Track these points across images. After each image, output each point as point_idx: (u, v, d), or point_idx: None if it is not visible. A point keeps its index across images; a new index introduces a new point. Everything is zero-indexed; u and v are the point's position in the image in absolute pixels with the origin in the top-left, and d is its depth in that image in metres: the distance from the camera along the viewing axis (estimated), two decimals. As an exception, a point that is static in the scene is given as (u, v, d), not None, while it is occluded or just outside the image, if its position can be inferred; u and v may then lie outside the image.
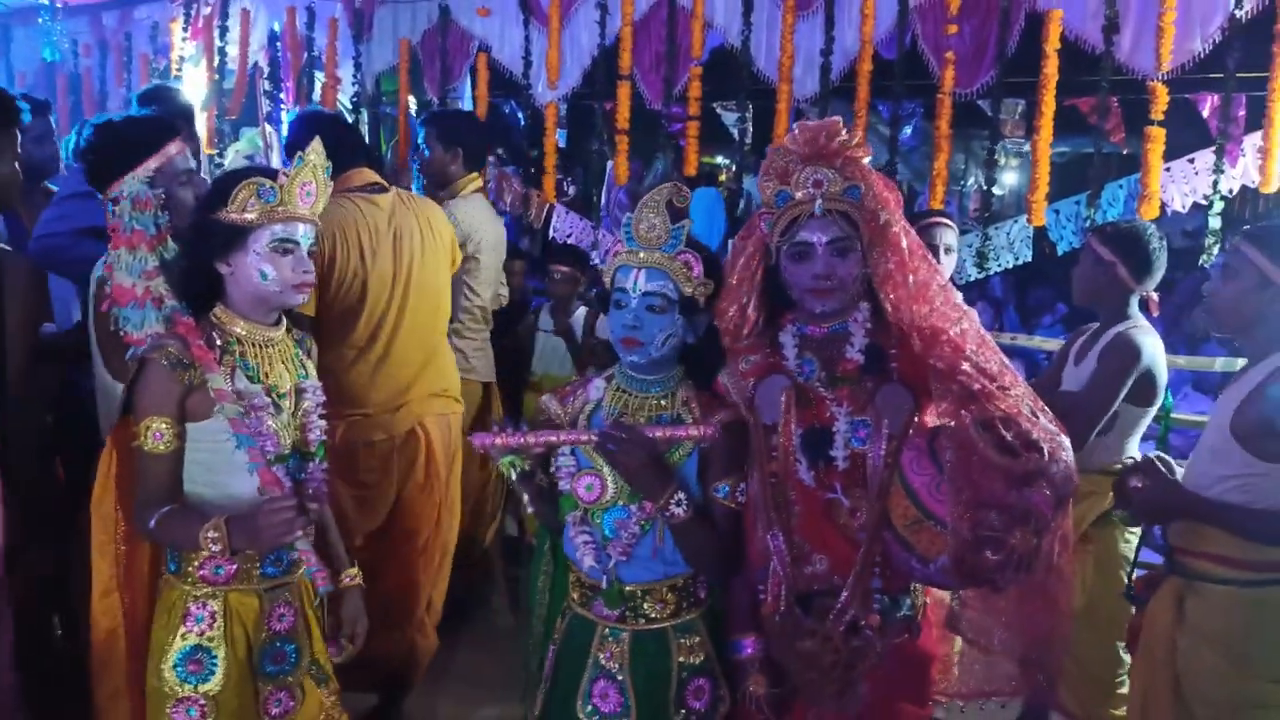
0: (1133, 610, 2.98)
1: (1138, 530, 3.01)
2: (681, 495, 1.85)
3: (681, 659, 1.96)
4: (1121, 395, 2.83)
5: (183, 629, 1.94)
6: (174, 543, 1.96)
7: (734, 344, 2.02)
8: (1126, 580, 2.76)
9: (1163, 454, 2.40)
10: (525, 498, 1.99)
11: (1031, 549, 1.68)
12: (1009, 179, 9.16)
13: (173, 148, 2.36)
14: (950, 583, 1.81)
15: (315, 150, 1.98)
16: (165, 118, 2.60)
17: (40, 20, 5.76)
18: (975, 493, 1.67)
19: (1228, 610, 2.22)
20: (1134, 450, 3.02)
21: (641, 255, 1.89)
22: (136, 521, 1.97)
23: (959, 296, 1.95)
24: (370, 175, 3.04)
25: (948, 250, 3.28)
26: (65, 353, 2.58)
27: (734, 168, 6.45)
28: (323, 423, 2.10)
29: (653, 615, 1.96)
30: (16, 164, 2.40)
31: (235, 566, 1.97)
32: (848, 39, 4.48)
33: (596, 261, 5.39)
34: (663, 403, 1.96)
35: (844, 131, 1.88)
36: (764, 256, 1.98)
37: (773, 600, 1.88)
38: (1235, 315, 2.31)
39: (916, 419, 1.90)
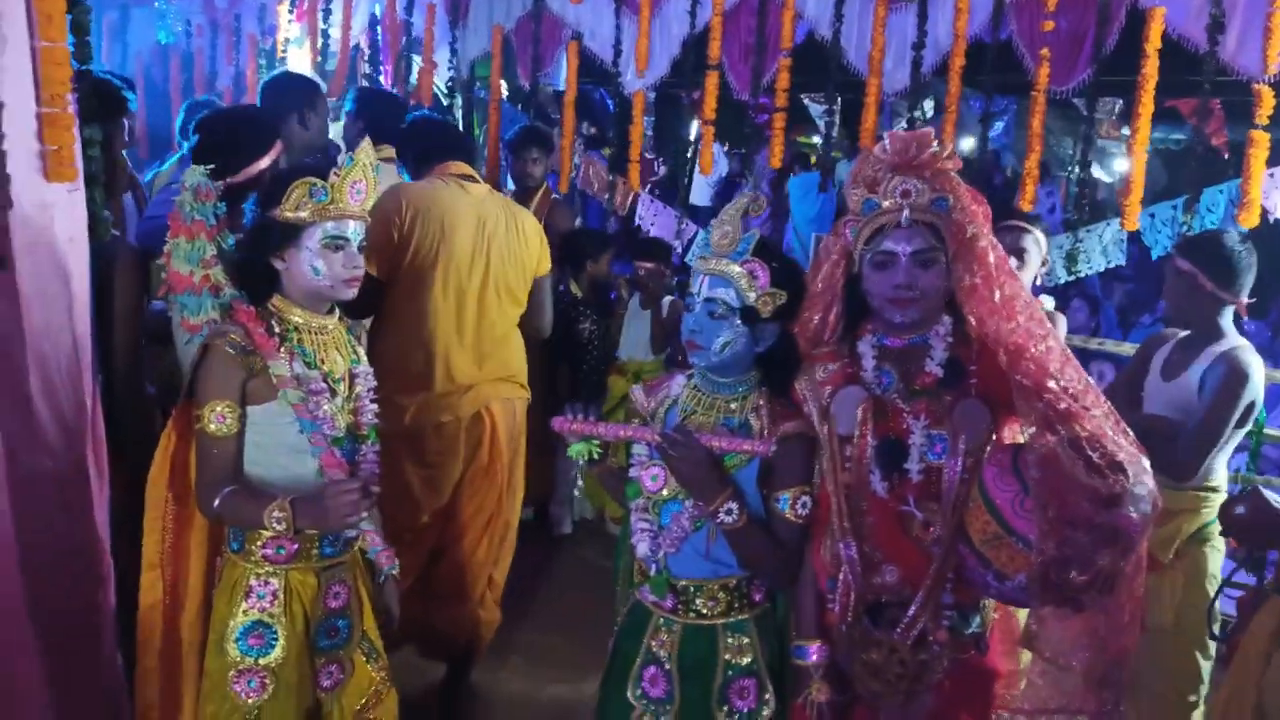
0: (1215, 626, 2.94)
1: (1223, 549, 2.95)
2: (733, 505, 1.89)
3: (728, 657, 2.00)
4: (1234, 420, 2.77)
5: (245, 604, 2.05)
6: (239, 522, 2.06)
7: (812, 351, 2.03)
8: (1210, 601, 2.71)
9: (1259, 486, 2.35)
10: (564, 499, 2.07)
11: (1116, 569, 1.69)
12: (1117, 168, 8.82)
13: (273, 153, 2.51)
14: (1027, 600, 1.80)
15: (365, 150, 2.07)
16: (269, 122, 2.74)
17: (156, 3, 5.99)
18: (1062, 510, 1.66)
19: None
20: (1223, 467, 2.95)
21: (711, 263, 1.93)
22: (200, 502, 2.07)
23: (1043, 311, 1.94)
24: (465, 168, 3.19)
25: (1025, 256, 3.23)
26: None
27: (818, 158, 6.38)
28: (374, 406, 2.19)
29: (704, 611, 2.01)
30: (124, 152, 2.56)
31: (296, 546, 2.07)
32: (940, 32, 4.40)
33: (679, 251, 5.44)
34: (733, 406, 1.99)
35: (936, 143, 1.87)
36: (848, 264, 1.99)
37: (841, 610, 1.91)
38: None
39: (994, 435, 1.90)
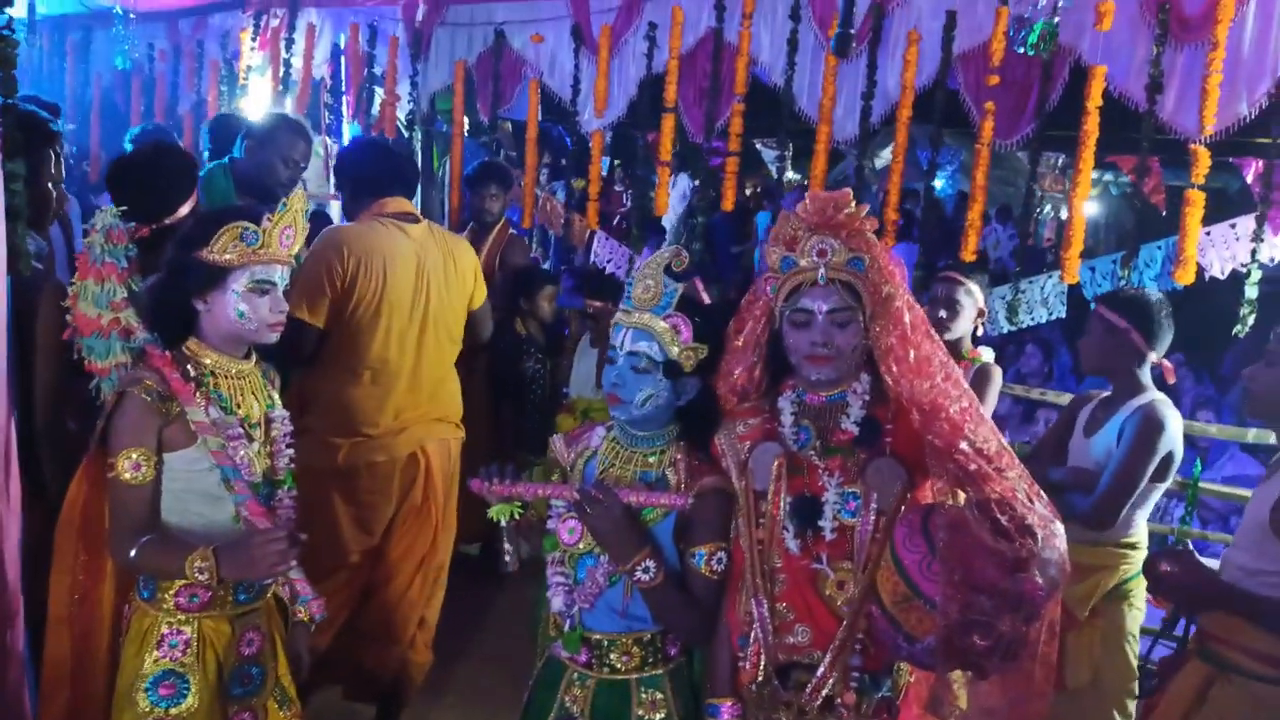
0: (1134, 685, 2.96)
1: (1143, 607, 2.98)
2: (650, 563, 1.87)
3: (641, 713, 1.99)
4: (1150, 470, 2.80)
5: (156, 654, 2.01)
6: (157, 572, 2.02)
7: (735, 405, 2.04)
8: (1136, 660, 2.72)
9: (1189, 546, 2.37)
10: (506, 545, 2.05)
11: (1020, 636, 1.68)
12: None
13: (194, 199, 2.50)
14: (935, 663, 1.78)
15: (298, 196, 2.07)
16: (192, 163, 2.73)
17: (115, 28, 5.98)
18: (967, 574, 1.66)
19: (1255, 704, 2.16)
20: (1143, 522, 2.98)
21: (633, 316, 1.94)
22: (115, 551, 2.03)
23: (980, 363, 1.95)
24: (405, 205, 3.15)
25: (957, 307, 3.27)
26: None
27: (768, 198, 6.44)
28: (290, 451, 2.17)
29: (618, 666, 2.00)
30: (50, 184, 2.53)
31: (210, 594, 2.04)
32: (889, 84, 4.48)
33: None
34: (650, 460, 1.99)
35: (853, 204, 1.89)
36: (769, 321, 2.00)
37: (751, 668, 1.91)
38: (1274, 403, 2.28)
39: (911, 495, 1.90)
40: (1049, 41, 3.50)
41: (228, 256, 1.99)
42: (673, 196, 7.32)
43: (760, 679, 1.89)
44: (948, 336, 3.33)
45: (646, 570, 1.86)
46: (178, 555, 1.93)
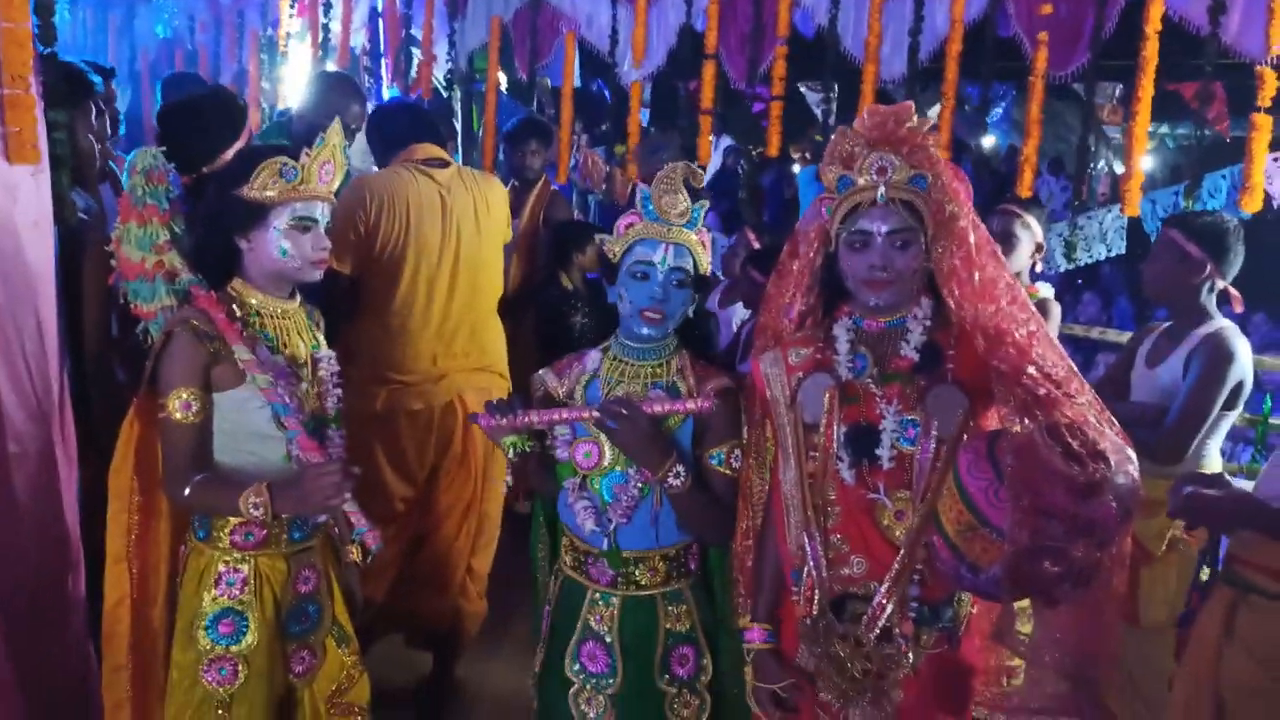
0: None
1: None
2: (680, 468, 1.88)
3: (668, 626, 2.01)
4: (1221, 401, 2.70)
5: (215, 592, 2.02)
6: (212, 510, 2.02)
7: (781, 331, 1.98)
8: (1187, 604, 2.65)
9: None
10: (510, 474, 2.04)
11: (1093, 562, 1.60)
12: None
13: (243, 140, 2.49)
14: (1000, 594, 1.72)
15: (335, 130, 2.04)
16: (237, 106, 2.72)
17: (155, 1, 6.02)
18: (1036, 499, 1.58)
19: (1276, 624, 2.10)
20: (1216, 453, 2.89)
21: (671, 231, 1.92)
22: (169, 490, 2.01)
23: (1036, 299, 1.87)
24: (433, 150, 3.13)
25: (1014, 241, 3.17)
26: None
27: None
28: (338, 391, 2.16)
29: (643, 582, 2.01)
30: (92, 136, 2.54)
31: (265, 532, 2.04)
32: (938, 19, 4.35)
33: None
34: (658, 371, 2.00)
35: (915, 117, 1.81)
36: (824, 245, 1.92)
37: (805, 603, 1.86)
38: None
39: (973, 423, 1.82)
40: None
41: (268, 193, 1.97)
42: (715, 154, 7.26)
43: (815, 613, 1.84)
44: (1004, 272, 3.23)
45: (678, 476, 1.89)
46: (232, 492, 1.93)
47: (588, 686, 2.02)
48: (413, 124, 3.17)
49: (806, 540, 1.85)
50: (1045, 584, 1.61)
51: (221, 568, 2.03)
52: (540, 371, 2.13)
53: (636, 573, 2.00)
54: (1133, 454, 1.70)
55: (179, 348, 1.96)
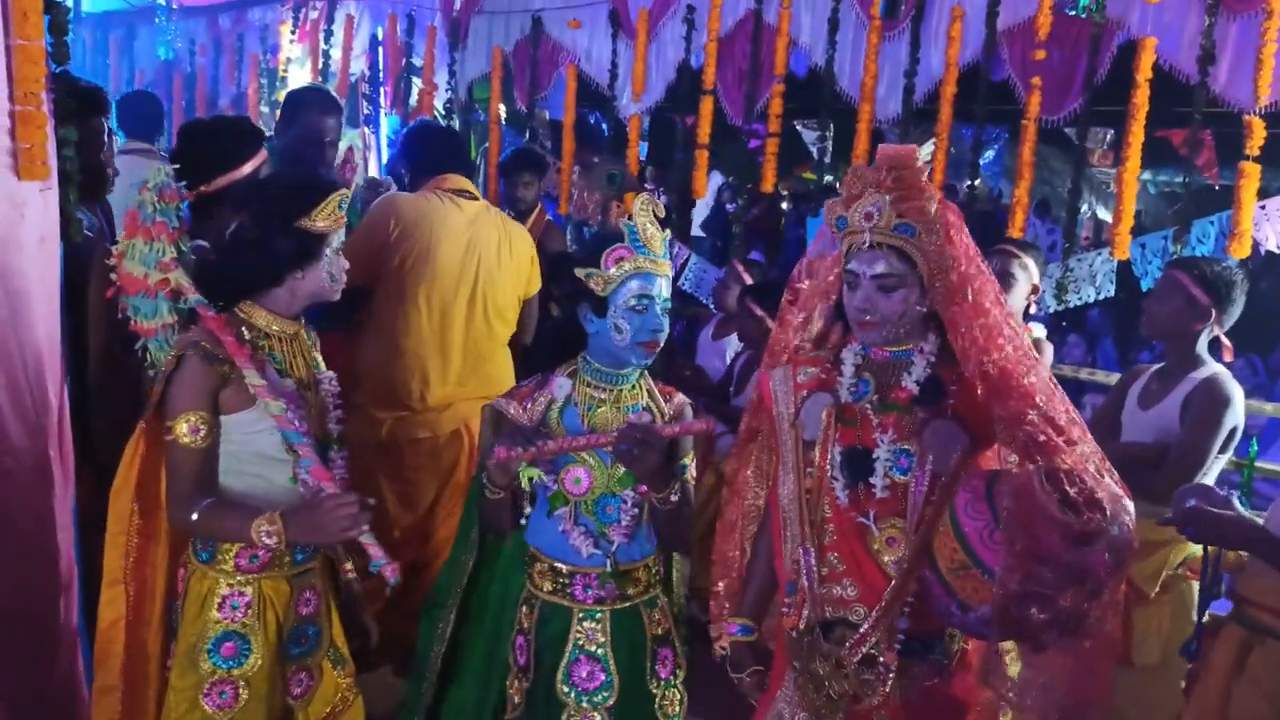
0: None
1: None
2: (678, 485, 2.01)
3: (651, 631, 2.10)
4: (1219, 444, 2.73)
5: (217, 615, 2.00)
6: (219, 535, 2.00)
7: (793, 350, 2.03)
8: (1195, 635, 2.65)
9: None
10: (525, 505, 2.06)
11: (1081, 611, 1.61)
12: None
13: (254, 162, 2.51)
14: (989, 634, 1.73)
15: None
16: (253, 131, 2.74)
17: (157, 20, 6.06)
18: (1030, 544, 1.59)
19: None
20: (1205, 497, 2.91)
21: (660, 264, 1.99)
22: (174, 514, 1.98)
23: (1028, 341, 1.89)
24: (463, 183, 3.17)
25: (1011, 281, 3.21)
26: None
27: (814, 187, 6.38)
28: (339, 412, 2.16)
29: (630, 593, 2.08)
30: (103, 155, 2.55)
31: (269, 555, 2.02)
32: (933, 61, 4.42)
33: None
34: (632, 393, 2.06)
35: (917, 163, 1.82)
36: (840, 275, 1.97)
37: (795, 616, 1.88)
38: None
39: (975, 461, 1.83)
40: (1100, 3, 3.42)
41: (327, 224, 2.00)
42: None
43: (802, 627, 1.86)
44: (1000, 311, 3.26)
45: (676, 493, 2.00)
46: (241, 519, 1.92)
47: (582, 704, 2.04)
48: (449, 153, 3.24)
49: (802, 555, 1.87)
50: (1032, 630, 1.62)
51: (225, 591, 2.01)
52: (497, 400, 2.13)
53: (626, 585, 2.08)
54: (1129, 504, 1.71)
55: (189, 371, 1.94)
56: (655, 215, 1.99)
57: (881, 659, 1.80)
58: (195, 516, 1.93)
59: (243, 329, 2.01)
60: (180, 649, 2.02)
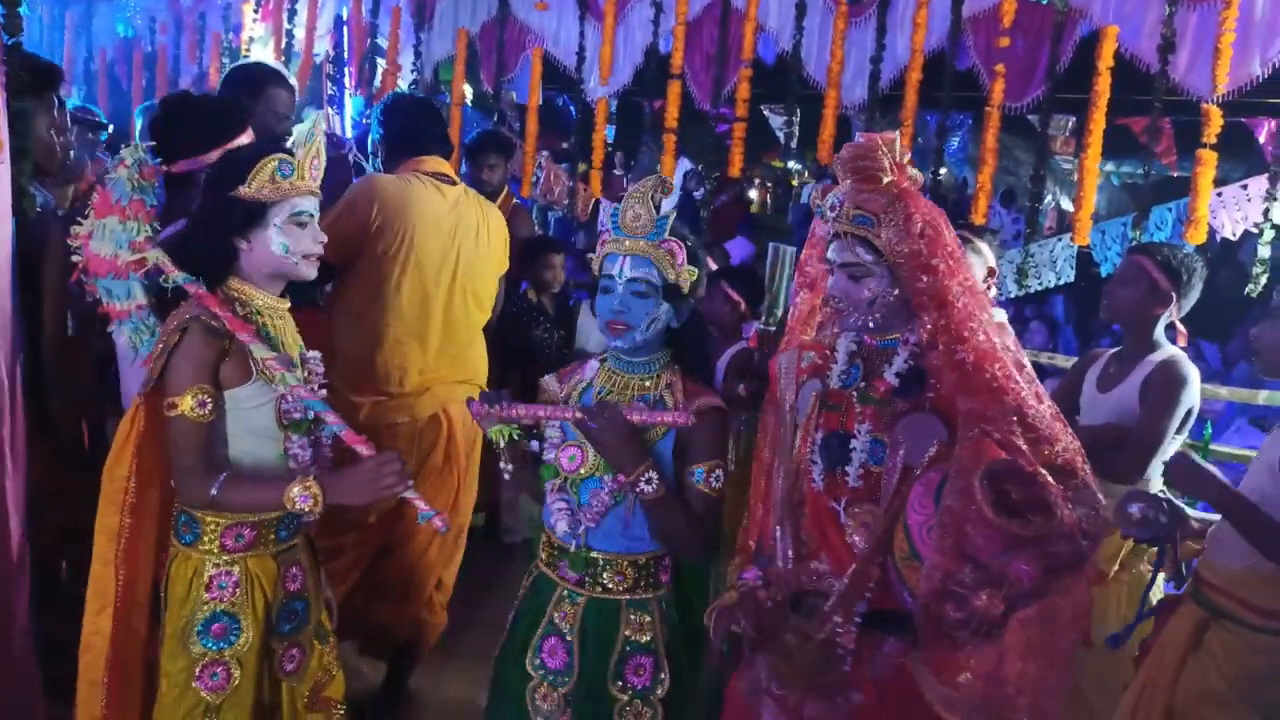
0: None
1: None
2: (653, 475, 1.91)
3: (628, 633, 2.02)
4: (1176, 424, 2.79)
5: (205, 596, 1.97)
6: (242, 508, 1.97)
7: (802, 337, 2.04)
8: (1140, 606, 2.70)
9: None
10: (503, 463, 2.06)
11: (996, 616, 1.60)
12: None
13: (244, 138, 2.46)
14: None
15: (319, 125, 2.03)
16: (240, 105, 2.66)
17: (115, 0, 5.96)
18: (959, 543, 1.60)
19: (1251, 650, 2.17)
20: (1159, 475, 2.97)
21: (627, 243, 1.95)
22: (189, 492, 1.95)
23: (1000, 337, 1.86)
24: (442, 165, 3.07)
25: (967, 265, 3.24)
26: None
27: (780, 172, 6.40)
28: (324, 391, 2.11)
29: (610, 586, 2.03)
30: (53, 131, 2.49)
31: (254, 533, 2.00)
32: (899, 47, 4.45)
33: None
34: (646, 384, 2.02)
35: (875, 153, 1.81)
36: None
37: (768, 590, 1.90)
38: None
39: (955, 451, 1.75)
40: (1065, -11, 3.46)
41: (266, 191, 1.96)
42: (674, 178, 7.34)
43: (776, 600, 1.88)
44: (957, 296, 3.29)
45: (650, 482, 1.90)
46: (270, 488, 1.90)
47: (545, 682, 2.03)
48: (429, 131, 3.09)
49: (779, 532, 1.90)
50: (948, 627, 1.63)
51: (212, 571, 1.98)
52: (547, 376, 2.17)
53: (604, 575, 2.03)
54: (1101, 506, 1.68)
55: (192, 344, 1.90)
56: (653, 197, 1.95)
57: (839, 639, 1.82)
58: (215, 492, 1.90)
59: (236, 306, 1.98)
60: (169, 633, 1.99)
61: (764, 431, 2.09)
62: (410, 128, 3.11)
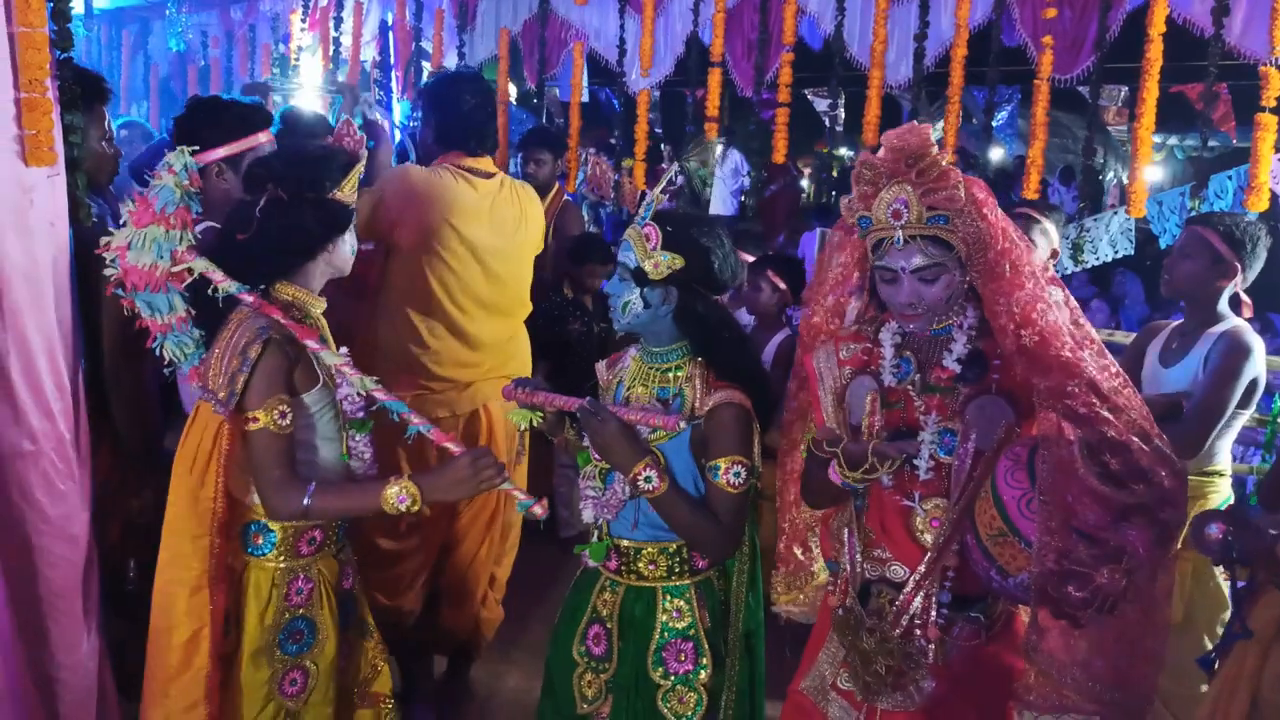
0: (1226, 615, 2.85)
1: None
2: (650, 473, 1.89)
3: (665, 620, 2.02)
4: (1238, 396, 2.70)
5: (285, 605, 1.98)
6: (337, 514, 1.97)
7: (833, 330, 2.01)
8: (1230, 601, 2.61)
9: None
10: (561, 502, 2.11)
11: (1119, 589, 1.56)
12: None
13: (263, 136, 2.50)
14: (1028, 600, 1.68)
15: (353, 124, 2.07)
16: (262, 107, 2.69)
17: (168, 12, 6.10)
18: (1067, 518, 1.56)
19: None
20: (1227, 451, 2.88)
21: (629, 229, 1.98)
22: (281, 505, 1.91)
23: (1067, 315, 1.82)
24: (479, 162, 3.04)
25: (1032, 245, 3.18)
26: None
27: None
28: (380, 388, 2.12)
29: (645, 573, 2.04)
30: (105, 143, 2.56)
31: (323, 535, 2.02)
32: (943, 24, 4.38)
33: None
34: (668, 376, 2.02)
35: (932, 150, 1.76)
36: (864, 258, 1.91)
37: (841, 594, 1.90)
38: None
39: (1019, 431, 1.78)
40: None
41: (347, 193, 1.99)
42: (724, 170, 7.29)
43: (847, 604, 1.87)
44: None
45: (648, 480, 1.90)
46: (364, 493, 1.91)
47: (589, 669, 2.06)
48: (478, 125, 3.03)
49: (846, 534, 1.88)
50: (1070, 607, 1.57)
51: (289, 578, 2.00)
52: (601, 361, 2.20)
53: (638, 564, 2.04)
54: (1180, 468, 1.65)
55: (272, 358, 1.89)
56: (668, 185, 1.99)
57: (921, 631, 1.79)
58: (308, 501, 1.88)
59: (293, 313, 1.97)
60: (249, 649, 1.97)
61: (790, 412, 2.08)
62: (463, 117, 3.03)
